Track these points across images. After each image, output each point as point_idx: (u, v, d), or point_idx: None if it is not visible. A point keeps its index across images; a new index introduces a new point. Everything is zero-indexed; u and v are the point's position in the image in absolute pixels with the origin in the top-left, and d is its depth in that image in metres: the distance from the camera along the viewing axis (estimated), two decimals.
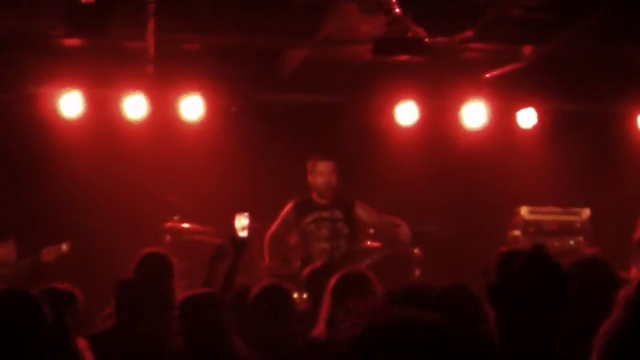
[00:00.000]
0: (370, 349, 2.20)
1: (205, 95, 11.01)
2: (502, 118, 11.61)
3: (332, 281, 6.01)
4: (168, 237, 10.88)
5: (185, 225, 11.01)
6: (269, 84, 11.26)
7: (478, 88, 11.22)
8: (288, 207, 9.11)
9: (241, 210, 6.85)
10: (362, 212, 9.10)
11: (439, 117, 11.57)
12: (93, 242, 10.55)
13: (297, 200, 9.13)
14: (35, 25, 9.46)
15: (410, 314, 2.29)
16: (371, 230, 9.79)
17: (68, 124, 10.95)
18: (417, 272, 10.05)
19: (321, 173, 9.02)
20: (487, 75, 11.06)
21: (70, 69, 10.57)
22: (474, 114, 11.49)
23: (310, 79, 10.87)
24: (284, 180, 10.54)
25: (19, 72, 10.62)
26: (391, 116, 11.46)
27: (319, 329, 5.87)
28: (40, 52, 10.28)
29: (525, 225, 10.83)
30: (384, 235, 9.20)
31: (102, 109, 10.99)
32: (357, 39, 9.41)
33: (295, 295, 7.80)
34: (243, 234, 6.81)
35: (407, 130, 11.54)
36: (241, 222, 6.80)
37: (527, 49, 10.13)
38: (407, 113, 11.42)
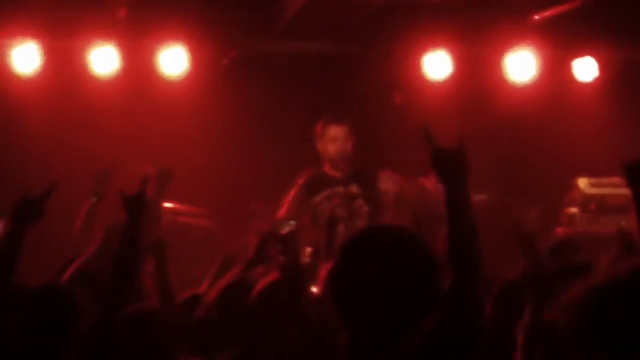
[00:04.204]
0: None
1: (190, 46, 10.60)
2: (555, 69, 11.10)
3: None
4: None
5: (166, 204, 10.02)
6: (266, 31, 10.78)
7: (525, 33, 10.69)
8: (295, 189, 8.58)
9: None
10: (388, 182, 8.55)
11: (477, 69, 11.02)
12: (49, 222, 9.38)
13: (305, 177, 8.60)
14: None
15: None
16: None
17: (22, 81, 10.52)
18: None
19: (333, 139, 8.45)
20: (537, 17, 10.51)
21: (24, 15, 10.15)
22: (521, 65, 10.97)
23: (317, 23, 10.42)
24: (287, 148, 10.32)
25: None
26: (418, 69, 10.94)
27: None
28: None
29: (585, 200, 10.18)
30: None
31: (63, 63, 10.55)
32: None
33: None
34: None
35: (438, 85, 11.00)
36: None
37: None
38: (437, 65, 10.89)
